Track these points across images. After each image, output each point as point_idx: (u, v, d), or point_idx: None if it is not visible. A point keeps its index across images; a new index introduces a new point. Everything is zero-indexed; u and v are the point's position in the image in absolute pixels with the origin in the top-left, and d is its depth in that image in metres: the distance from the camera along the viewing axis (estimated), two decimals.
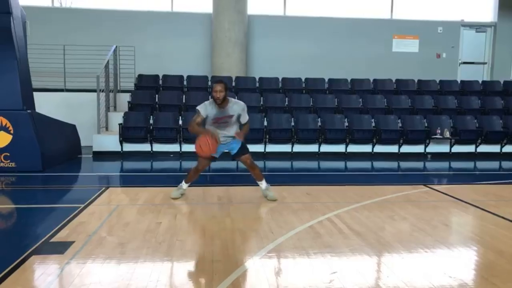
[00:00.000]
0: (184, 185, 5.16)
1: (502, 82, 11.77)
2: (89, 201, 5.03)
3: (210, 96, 4.73)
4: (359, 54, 12.39)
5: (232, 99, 4.92)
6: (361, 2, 12.85)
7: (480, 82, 11.77)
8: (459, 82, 11.74)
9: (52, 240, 3.66)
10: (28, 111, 7.04)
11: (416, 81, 11.48)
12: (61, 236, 3.75)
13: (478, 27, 13.26)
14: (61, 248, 3.44)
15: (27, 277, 2.90)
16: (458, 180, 7.50)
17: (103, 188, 5.77)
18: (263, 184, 5.12)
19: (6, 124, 6.81)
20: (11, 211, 5.03)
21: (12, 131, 6.83)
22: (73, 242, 3.58)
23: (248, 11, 11.86)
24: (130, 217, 4.38)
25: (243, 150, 4.99)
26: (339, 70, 11.75)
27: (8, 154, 6.83)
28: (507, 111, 10.44)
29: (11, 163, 6.85)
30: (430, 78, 11.68)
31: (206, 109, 4.77)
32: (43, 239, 3.66)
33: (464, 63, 13.22)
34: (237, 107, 4.86)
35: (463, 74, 13.14)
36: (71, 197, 5.77)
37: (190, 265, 3.22)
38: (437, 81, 11.52)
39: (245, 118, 4.97)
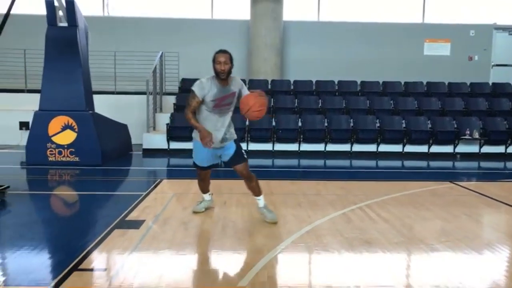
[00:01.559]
0: (205, 196, 4.62)
1: None
2: (148, 190, 5.80)
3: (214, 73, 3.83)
4: (390, 57, 12.81)
5: (231, 75, 3.96)
6: (393, 7, 13.25)
7: None
8: (490, 84, 11.97)
9: (127, 219, 4.42)
10: (90, 112, 7.95)
11: (446, 83, 11.80)
12: (133, 216, 4.51)
13: (511, 29, 13.41)
14: (136, 224, 4.19)
15: (115, 243, 3.65)
16: (483, 177, 7.89)
17: (158, 180, 6.56)
18: (261, 201, 4.25)
19: (72, 124, 7.73)
20: (87, 196, 5.87)
21: (76, 130, 7.74)
22: (144, 220, 4.33)
23: (283, 17, 12.50)
24: (186, 203, 5.10)
25: (239, 157, 4.05)
26: (371, 73, 12.21)
27: (73, 150, 7.75)
28: None
29: (75, 158, 7.76)
30: (461, 80, 11.98)
31: (203, 87, 3.83)
32: (119, 218, 4.41)
33: (497, 65, 13.40)
34: (236, 82, 3.99)
35: (495, 76, 13.31)
36: (132, 186, 6.61)
37: (244, 240, 3.88)
38: (468, 84, 11.79)
39: (245, 92, 4.00)
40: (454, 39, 13.25)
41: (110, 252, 3.46)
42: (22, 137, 10.14)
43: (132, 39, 12.30)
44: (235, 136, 4.14)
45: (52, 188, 6.61)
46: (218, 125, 3.97)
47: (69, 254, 3.33)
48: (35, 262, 3.28)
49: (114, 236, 3.84)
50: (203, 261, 3.40)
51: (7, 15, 5.32)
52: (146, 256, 3.38)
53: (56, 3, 7.60)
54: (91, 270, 3.09)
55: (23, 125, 10.71)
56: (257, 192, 4.22)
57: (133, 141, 10.17)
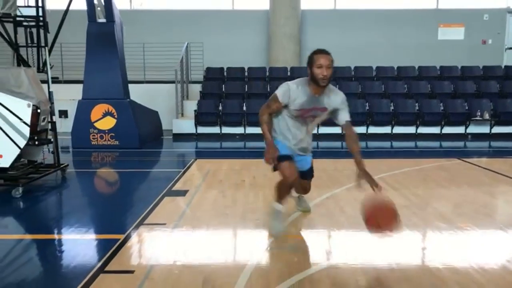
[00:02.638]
0: (277, 206, 3.56)
1: None
2: (185, 167, 6.60)
3: (309, 76, 3.23)
4: (405, 43, 13.26)
5: (331, 85, 3.30)
6: None
7: None
8: (503, 67, 12.37)
9: (173, 189, 5.21)
10: (128, 99, 8.76)
11: (459, 67, 12.25)
12: (178, 187, 5.30)
13: None
14: (181, 193, 4.97)
15: (168, 206, 4.43)
16: (490, 155, 8.45)
17: (192, 159, 7.35)
18: (303, 199, 4.15)
19: (111, 111, 8.55)
20: (134, 173, 6.70)
21: (116, 116, 8.57)
22: (187, 190, 5.11)
23: (301, 6, 13.06)
24: (221, 176, 5.88)
25: (309, 173, 3.76)
26: (386, 59, 12.71)
27: (114, 134, 8.59)
28: None
29: (115, 141, 8.61)
30: (475, 64, 12.39)
31: (290, 93, 3.24)
32: (167, 188, 5.20)
33: (510, 48, 13.73)
34: (335, 97, 3.31)
35: (509, 59, 13.66)
36: (171, 165, 7.45)
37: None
38: (481, 67, 12.22)
39: (347, 116, 3.36)
40: (468, 23, 13.60)
41: (166, 212, 4.25)
42: (62, 125, 11.05)
43: (158, 31, 13.02)
44: (310, 150, 3.72)
45: (103, 166, 7.51)
46: (298, 134, 3.45)
47: (134, 214, 4.13)
48: (110, 219, 4.11)
49: (165, 201, 4.63)
50: (240, 219, 4.15)
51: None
52: (197, 213, 4.16)
53: (95, 1, 8.37)
54: (154, 224, 3.88)
55: (62, 113, 11.61)
56: (303, 193, 4.04)
57: (163, 127, 10.99)
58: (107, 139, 8.61)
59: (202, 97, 11.24)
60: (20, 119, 4.96)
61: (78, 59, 11.10)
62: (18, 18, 5.46)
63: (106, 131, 8.58)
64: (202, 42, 12.38)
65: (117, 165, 7.54)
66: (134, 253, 3.25)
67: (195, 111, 10.45)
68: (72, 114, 9.42)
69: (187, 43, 11.99)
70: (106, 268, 2.91)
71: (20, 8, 5.54)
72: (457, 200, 4.75)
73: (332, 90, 3.33)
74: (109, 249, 3.22)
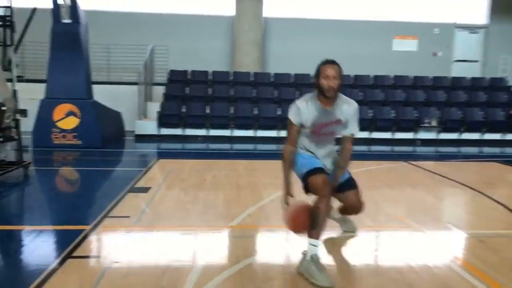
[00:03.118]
0: (314, 242, 2.85)
1: (489, 79, 13.28)
2: (148, 166, 6.83)
3: (315, 90, 3.03)
4: (362, 52, 13.96)
5: (340, 94, 3.07)
6: (365, 6, 14.38)
7: (469, 78, 13.29)
8: (450, 78, 13.28)
9: (136, 186, 5.44)
10: (91, 100, 8.87)
11: (412, 77, 13.05)
12: (140, 184, 5.54)
13: (471, 28, 14.73)
14: (144, 190, 5.21)
15: (132, 203, 4.68)
16: (433, 158, 9.14)
17: (155, 160, 7.58)
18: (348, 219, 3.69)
19: (75, 110, 8.65)
20: (98, 171, 6.86)
21: (79, 116, 8.66)
22: (150, 187, 5.36)
23: (264, 14, 13.51)
24: (183, 176, 6.15)
25: (350, 183, 3.30)
26: (344, 67, 13.29)
27: (76, 134, 8.68)
28: (490, 104, 11.99)
29: (78, 141, 8.70)
30: (427, 74, 13.24)
31: (300, 112, 3.03)
32: (130, 185, 5.43)
33: (458, 61, 14.73)
34: (347, 107, 3.07)
35: (457, 71, 14.64)
36: (134, 164, 7.63)
37: (232, 196, 4.97)
38: (431, 77, 13.07)
39: (354, 129, 3.14)
40: (421, 36, 14.50)
41: (130, 206, 4.50)
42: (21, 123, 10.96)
43: (123, 33, 13.10)
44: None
45: (66, 165, 7.61)
46: (320, 152, 3.19)
47: (99, 208, 4.35)
48: (75, 212, 4.32)
49: (129, 197, 4.87)
50: (201, 213, 4.45)
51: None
52: (158, 208, 4.43)
53: (60, 1, 8.46)
54: (119, 217, 4.12)
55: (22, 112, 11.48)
56: (349, 214, 3.56)
57: (126, 128, 11.10)
58: (69, 139, 8.68)
59: (165, 99, 11.45)
60: None
61: (37, 58, 11.09)
62: None
63: (69, 130, 8.66)
64: (167, 45, 12.59)
65: (80, 164, 7.65)
66: (100, 241, 3.50)
67: (158, 112, 10.65)
68: (31, 113, 9.36)
69: (152, 46, 12.17)
70: (74, 254, 3.15)
71: None
72: (399, 199, 5.26)
73: (344, 101, 3.08)
74: (76, 238, 3.45)
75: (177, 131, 10.79)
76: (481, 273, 2.97)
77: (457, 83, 12.96)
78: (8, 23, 5.81)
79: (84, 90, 8.74)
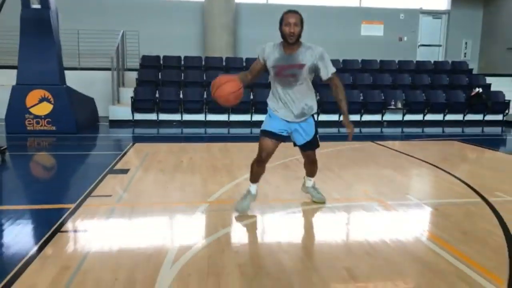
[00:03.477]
0: (251, 187, 3.75)
1: (450, 62, 13.91)
2: (125, 150, 6.99)
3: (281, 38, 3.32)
4: (331, 37, 14.29)
5: (306, 42, 3.37)
6: None
7: (432, 62, 13.87)
8: (414, 62, 13.82)
9: (115, 168, 5.63)
10: (64, 86, 8.88)
11: (378, 61, 13.51)
12: (119, 167, 5.72)
13: (435, 14, 15.30)
14: (123, 171, 5.41)
15: (112, 183, 4.88)
16: (398, 139, 9.63)
17: (130, 144, 7.73)
18: (311, 181, 4.04)
19: (48, 96, 8.65)
20: (75, 155, 6.98)
21: (52, 102, 8.67)
22: (129, 169, 5.56)
23: None
24: (159, 158, 6.36)
25: (313, 143, 3.66)
26: None
27: (50, 120, 8.70)
28: (452, 86, 12.60)
29: (52, 127, 8.72)
30: (393, 58, 13.72)
31: (265, 50, 3.38)
32: (109, 168, 5.61)
33: (422, 45, 15.30)
34: (311, 53, 3.30)
35: (421, 55, 15.23)
36: (110, 148, 7.76)
37: (208, 175, 5.23)
38: (396, 61, 13.57)
39: (328, 70, 3.34)
40: (387, 21, 14.96)
41: (111, 186, 4.70)
42: None
43: (93, 18, 12.98)
44: (313, 111, 3.59)
45: (42, 150, 7.66)
46: (286, 99, 3.42)
47: (81, 188, 4.54)
48: (58, 193, 4.49)
49: (109, 178, 5.07)
50: (182, 187, 4.70)
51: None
52: (138, 187, 4.66)
53: None
54: (101, 196, 4.33)
55: None
56: (313, 173, 3.96)
57: (99, 114, 11.12)
58: (43, 125, 8.70)
59: (138, 85, 11.50)
60: None
61: (7, 44, 10.91)
62: None
63: (43, 116, 8.67)
64: (137, 30, 12.57)
65: (57, 149, 7.72)
66: (85, 217, 3.71)
67: (132, 97, 10.72)
68: (2, 100, 9.31)
69: (123, 31, 12.13)
70: (62, 229, 3.36)
71: None
72: (365, 175, 5.65)
73: (308, 48, 3.33)
74: (63, 215, 3.66)
75: (151, 116, 10.90)
76: (435, 236, 3.36)
77: (421, 67, 13.51)
78: None
79: (57, 76, 8.73)
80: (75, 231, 3.40)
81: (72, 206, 3.94)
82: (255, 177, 3.70)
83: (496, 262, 2.86)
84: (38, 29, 8.52)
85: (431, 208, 4.12)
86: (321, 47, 3.33)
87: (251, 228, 3.53)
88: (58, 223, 3.47)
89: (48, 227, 3.37)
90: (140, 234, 3.34)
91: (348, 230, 3.58)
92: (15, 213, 3.84)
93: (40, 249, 2.96)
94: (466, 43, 15.44)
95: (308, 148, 3.65)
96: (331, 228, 3.60)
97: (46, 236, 3.20)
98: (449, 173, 5.53)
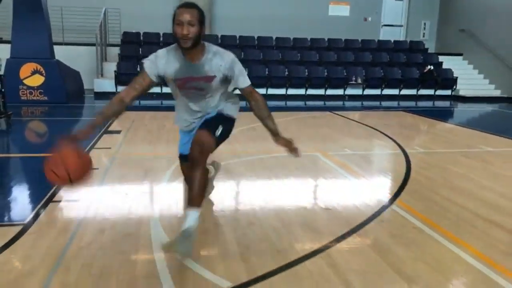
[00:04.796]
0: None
1: (408, 42, 15.22)
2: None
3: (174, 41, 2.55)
4: (300, 17, 15.29)
5: (213, 46, 2.65)
6: None
7: (392, 41, 15.15)
8: (376, 41, 15.06)
9: (109, 129, 6.69)
10: (55, 59, 9.75)
11: (343, 40, 14.69)
12: (112, 129, 6.78)
13: None
14: (116, 132, 6.49)
15: (109, 140, 5.96)
16: (354, 109, 10.92)
17: None
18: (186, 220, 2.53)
19: (40, 69, 9.51)
20: (70, 120, 7.97)
21: (44, 74, 9.55)
22: (120, 130, 6.63)
23: None
24: (145, 122, 7.44)
25: (207, 124, 2.75)
26: (284, 30, 14.70)
27: (42, 91, 9.58)
28: (408, 64, 13.92)
29: (44, 97, 9.62)
30: (358, 38, 14.88)
31: (158, 60, 2.60)
32: (103, 130, 6.66)
33: (385, 25, 16.53)
34: (220, 61, 2.60)
35: (384, 34, 16.45)
36: None
37: None
38: (360, 40, 14.78)
39: (243, 82, 2.68)
40: (352, 2, 16.05)
41: (109, 142, 5.79)
42: None
43: None
44: (223, 110, 2.83)
45: (40, 116, 8.60)
46: (194, 115, 2.82)
47: (84, 143, 5.59)
48: None
49: (105, 137, 6.15)
50: (169, 141, 5.81)
51: None
52: (132, 142, 5.76)
53: None
54: (102, 148, 5.42)
55: None
56: (196, 197, 2.57)
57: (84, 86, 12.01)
58: (36, 95, 9.59)
59: (121, 59, 12.38)
60: None
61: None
62: None
63: (35, 87, 9.55)
64: (119, 8, 13.34)
65: (53, 115, 8.65)
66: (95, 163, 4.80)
67: (115, 71, 11.62)
68: None
69: (105, 9, 12.90)
70: None
71: None
72: (316, 135, 6.87)
73: (216, 53, 2.60)
74: None
75: None
76: (355, 172, 4.63)
77: (382, 46, 14.76)
78: None
79: (48, 50, 9.58)
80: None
81: None
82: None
83: (396, 182, 4.14)
84: (29, 5, 9.29)
85: (360, 157, 5.39)
86: (231, 53, 2.64)
87: (237, 170, 4.69)
88: None
89: None
90: (137, 179, 4.47)
91: (296, 171, 4.80)
92: (29, 159, 4.90)
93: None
94: (425, 24, 16.73)
95: (201, 127, 2.73)
96: (281, 169, 4.81)
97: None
98: (384, 133, 6.83)
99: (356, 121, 8.31)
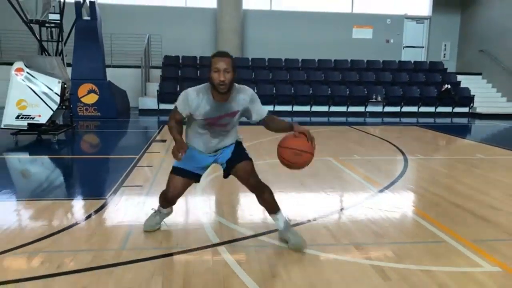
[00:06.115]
0: (162, 209, 3.36)
1: (428, 62, 16.09)
2: (159, 129, 9.34)
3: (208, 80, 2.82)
4: (325, 40, 16.50)
5: (235, 85, 2.88)
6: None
7: (413, 62, 16.06)
8: (397, 62, 16.01)
9: (157, 139, 7.97)
10: (107, 80, 11.25)
11: (365, 61, 15.72)
12: (159, 139, 8.06)
13: (418, 19, 17.44)
14: (162, 141, 7.76)
15: (158, 147, 7.20)
16: (373, 124, 11.89)
17: (162, 125, 10.08)
18: (278, 220, 3.12)
19: (95, 89, 11.02)
20: (123, 132, 9.34)
21: (98, 93, 11.04)
22: (166, 140, 7.89)
23: (243, 6, 15.89)
24: None
25: (240, 154, 3.12)
26: (310, 53, 15.90)
27: (96, 107, 11.07)
28: (427, 83, 14.78)
29: (98, 113, 11.10)
30: (381, 59, 15.87)
31: (188, 104, 2.85)
32: (151, 139, 7.95)
33: (407, 47, 17.47)
34: (243, 97, 2.90)
35: (406, 55, 17.39)
36: (148, 127, 10.13)
37: None
38: (381, 61, 15.77)
39: (261, 111, 2.98)
40: (375, 25, 17.12)
41: (158, 148, 7.05)
42: None
43: (124, 23, 15.31)
44: (236, 139, 3.17)
45: (98, 128, 10.01)
46: (211, 142, 3.04)
47: (138, 149, 6.88)
48: (124, 150, 6.87)
49: (154, 145, 7.42)
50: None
51: None
52: None
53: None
54: (153, 152, 6.67)
55: None
56: (273, 206, 3.10)
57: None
58: (91, 111, 11.08)
59: (162, 80, 13.85)
60: (53, 91, 7.48)
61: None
62: (46, 24, 7.91)
63: (90, 104, 11.04)
64: (160, 34, 14.91)
65: (108, 128, 10.04)
66: (149, 162, 6.04)
67: (157, 91, 13.07)
68: None
69: (148, 35, 14.48)
70: (138, 165, 5.70)
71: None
72: (331, 144, 7.92)
73: (239, 91, 2.88)
74: (134, 160, 6.00)
75: (173, 106, 13.20)
76: (361, 173, 5.67)
77: (402, 66, 15.70)
78: (59, 26, 8.16)
79: (102, 73, 11.10)
80: (146, 166, 5.73)
81: (137, 156, 6.29)
82: (165, 206, 3.34)
83: (388, 178, 5.16)
84: (87, 36, 10.87)
85: (366, 161, 6.41)
86: (249, 88, 2.96)
87: None
88: (133, 162, 5.82)
89: (129, 164, 5.71)
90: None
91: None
92: (94, 159, 6.19)
93: (127, 175, 5.29)
94: (445, 45, 17.57)
95: (237, 160, 3.07)
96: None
97: (129, 168, 5.53)
98: (392, 143, 7.81)
99: (371, 134, 9.30)
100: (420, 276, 2.72)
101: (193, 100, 2.83)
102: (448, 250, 3.15)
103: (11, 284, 2.55)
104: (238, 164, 3.06)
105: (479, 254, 3.05)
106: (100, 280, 2.60)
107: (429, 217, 3.83)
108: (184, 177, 3.09)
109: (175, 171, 3.12)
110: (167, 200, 3.22)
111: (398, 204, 4.27)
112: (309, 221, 3.72)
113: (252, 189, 3.07)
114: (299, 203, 4.28)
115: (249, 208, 4.00)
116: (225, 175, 3.18)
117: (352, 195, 4.68)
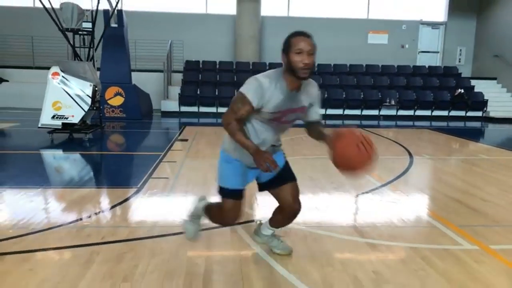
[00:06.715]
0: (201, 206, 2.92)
1: (443, 67, 16.37)
2: (181, 130, 9.95)
3: (284, 66, 2.46)
4: (342, 45, 16.92)
5: None
6: (345, 6, 17.34)
7: (427, 66, 16.36)
8: (411, 66, 16.33)
9: (179, 138, 8.56)
10: (132, 84, 11.94)
11: (380, 65, 16.09)
12: (181, 138, 8.65)
13: (433, 25, 17.72)
14: (185, 140, 8.34)
15: (181, 145, 7.79)
16: (386, 127, 12.27)
17: (183, 126, 10.69)
18: (271, 230, 2.95)
19: (121, 92, 11.71)
20: (147, 132, 9.98)
21: (124, 96, 11.73)
22: (187, 139, 8.48)
23: (262, 13, 16.46)
24: (207, 134, 9.26)
25: (288, 173, 2.75)
26: (326, 58, 16.34)
27: (122, 109, 11.76)
28: (441, 87, 15.07)
29: (123, 114, 11.78)
30: (396, 63, 16.22)
31: (262, 92, 2.34)
32: (174, 138, 8.55)
33: (422, 52, 17.76)
34: (312, 89, 2.56)
35: (421, 60, 17.67)
36: (170, 128, 10.76)
37: None
38: (395, 66, 16.12)
39: (320, 112, 2.69)
40: (391, 31, 17.46)
41: (181, 146, 7.64)
42: None
43: (146, 30, 16.06)
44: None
45: (125, 128, 10.66)
46: (268, 141, 2.55)
47: (163, 147, 7.47)
48: (149, 146, 7.49)
49: (177, 143, 8.01)
50: None
51: None
52: (198, 146, 7.55)
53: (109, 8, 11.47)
54: (177, 150, 7.26)
55: None
56: (281, 224, 2.92)
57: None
58: (117, 113, 11.77)
59: (184, 84, 14.50)
60: (85, 93, 8.15)
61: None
62: (80, 32, 8.61)
63: (117, 106, 11.74)
64: (182, 40, 15.60)
65: (134, 128, 10.66)
66: (173, 157, 6.61)
67: (179, 94, 13.72)
68: None
69: (171, 41, 15.17)
70: (164, 160, 6.28)
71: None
72: None
73: (308, 83, 2.51)
74: (160, 156, 6.59)
75: (194, 109, 13.87)
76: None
77: (416, 71, 16.02)
78: (91, 33, 8.85)
79: (127, 77, 11.80)
80: (169, 161, 6.32)
81: (162, 153, 6.88)
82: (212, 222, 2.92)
83: (393, 174, 5.62)
84: (115, 42, 11.58)
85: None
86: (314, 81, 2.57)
87: None
88: (159, 158, 6.41)
89: (155, 160, 6.30)
90: (200, 166, 6.21)
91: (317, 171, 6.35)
92: (130, 156, 6.80)
93: (154, 169, 5.87)
94: (460, 50, 17.79)
95: (284, 180, 2.69)
96: (302, 167, 6.37)
97: (155, 163, 6.11)
98: (400, 144, 8.24)
99: (381, 135, 9.72)
100: (407, 251, 3.20)
101: (267, 89, 2.34)
102: (435, 232, 3.62)
103: (68, 249, 3.13)
104: (286, 184, 2.67)
105: (462, 235, 3.51)
106: (135, 248, 3.16)
107: (426, 208, 4.29)
108: (241, 199, 2.62)
109: (229, 194, 2.59)
110: (222, 225, 3.03)
111: (400, 197, 4.73)
112: (316, 208, 4.22)
113: (290, 214, 2.75)
114: (308, 197, 4.79)
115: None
116: (261, 189, 2.77)
117: (357, 187, 5.16)
